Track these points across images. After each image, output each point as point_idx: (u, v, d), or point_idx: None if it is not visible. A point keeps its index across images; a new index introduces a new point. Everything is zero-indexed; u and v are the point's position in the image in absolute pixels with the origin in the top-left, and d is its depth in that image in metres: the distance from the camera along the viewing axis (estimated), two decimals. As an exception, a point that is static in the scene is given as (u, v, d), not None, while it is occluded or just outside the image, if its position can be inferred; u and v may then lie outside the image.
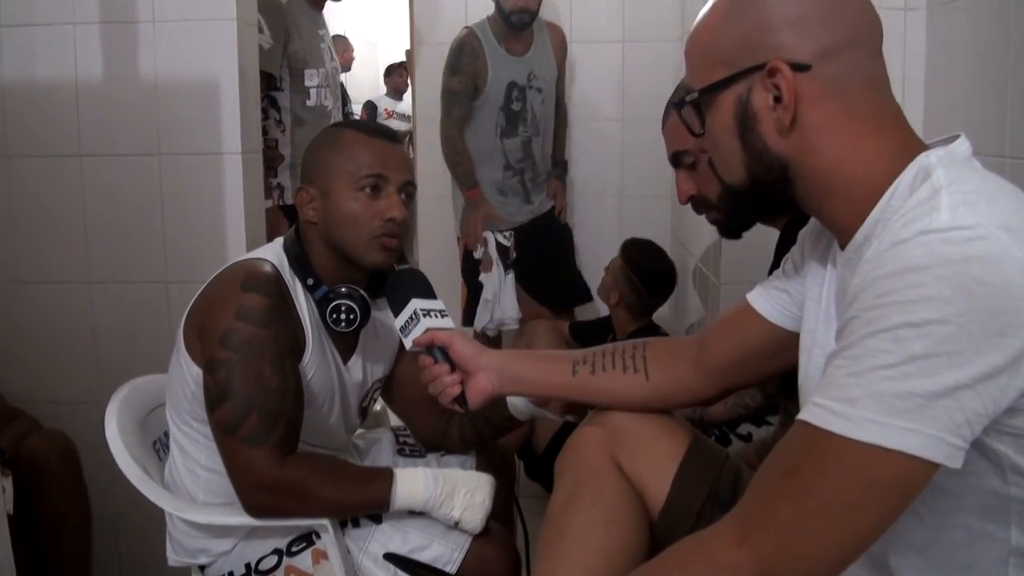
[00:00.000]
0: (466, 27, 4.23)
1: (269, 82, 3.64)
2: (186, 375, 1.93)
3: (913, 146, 1.22)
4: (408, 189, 1.99)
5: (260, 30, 3.44)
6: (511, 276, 4.24)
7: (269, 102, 3.71)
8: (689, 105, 1.35)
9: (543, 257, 4.35)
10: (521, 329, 4.00)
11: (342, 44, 8.10)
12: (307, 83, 3.77)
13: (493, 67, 4.17)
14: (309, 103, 3.79)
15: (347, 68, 8.36)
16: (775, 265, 1.96)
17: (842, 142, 1.23)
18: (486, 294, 4.23)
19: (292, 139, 3.75)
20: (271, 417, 1.82)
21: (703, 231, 3.34)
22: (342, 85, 4.45)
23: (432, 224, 4.90)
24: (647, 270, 3.53)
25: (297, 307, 1.97)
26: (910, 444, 1.03)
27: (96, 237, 2.87)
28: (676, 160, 2.09)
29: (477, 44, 4.17)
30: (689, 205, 2.17)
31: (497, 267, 4.21)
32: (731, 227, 2.10)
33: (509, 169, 4.25)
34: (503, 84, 4.18)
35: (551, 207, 4.42)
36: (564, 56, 4.42)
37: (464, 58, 4.18)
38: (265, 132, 3.66)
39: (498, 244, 4.22)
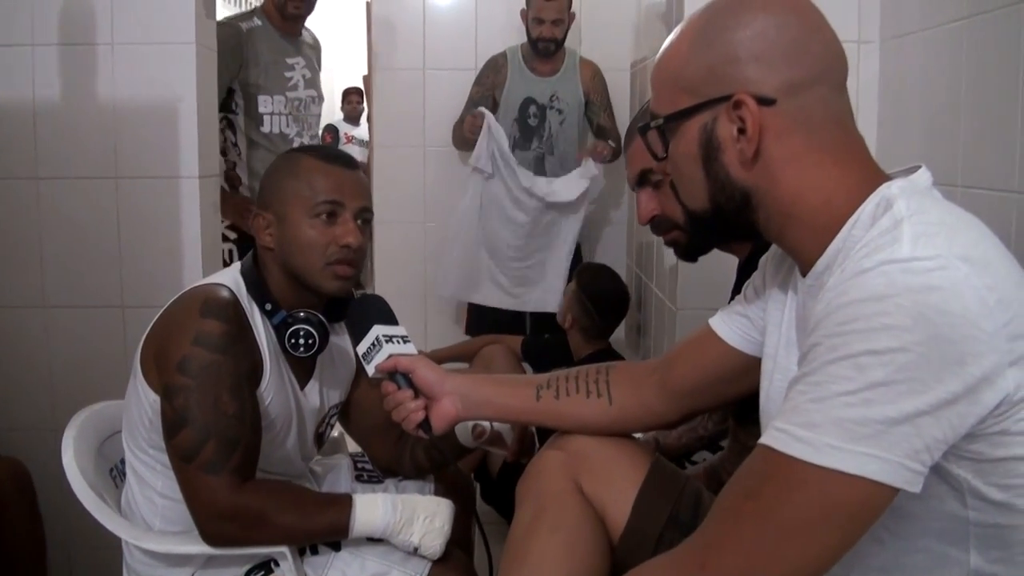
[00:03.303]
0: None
1: (227, 101, 3.69)
2: (143, 401, 1.91)
3: (875, 177, 1.24)
4: (365, 215, 1.99)
5: None
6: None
7: (227, 124, 3.76)
8: (654, 130, 1.36)
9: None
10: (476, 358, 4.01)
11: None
12: (261, 109, 3.78)
13: (511, 81, 4.50)
14: (263, 129, 3.80)
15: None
16: (735, 295, 1.98)
17: (805, 174, 1.24)
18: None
19: (248, 163, 3.78)
20: (229, 444, 1.80)
21: (660, 257, 3.37)
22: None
23: (389, 251, 4.90)
24: (598, 293, 3.56)
25: (255, 332, 1.95)
26: (870, 469, 1.05)
27: (52, 261, 2.84)
28: (642, 179, 2.09)
29: (502, 60, 4.54)
30: (648, 227, 2.17)
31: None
32: (690, 250, 2.11)
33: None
34: (519, 98, 4.48)
35: None
36: (600, 88, 4.55)
37: (486, 71, 4.57)
38: (224, 153, 3.74)
39: None
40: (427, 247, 4.86)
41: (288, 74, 3.88)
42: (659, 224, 2.10)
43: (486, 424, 1.98)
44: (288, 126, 3.87)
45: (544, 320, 4.24)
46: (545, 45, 4.35)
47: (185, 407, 1.80)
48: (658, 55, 1.36)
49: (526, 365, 3.74)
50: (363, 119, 8.56)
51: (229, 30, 3.64)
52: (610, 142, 4.42)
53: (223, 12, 5.40)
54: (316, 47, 4.15)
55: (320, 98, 4.10)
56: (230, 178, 3.81)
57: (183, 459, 1.80)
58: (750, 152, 1.24)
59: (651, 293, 3.67)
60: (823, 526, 1.09)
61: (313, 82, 4.01)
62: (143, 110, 2.77)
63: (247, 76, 3.73)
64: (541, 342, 3.88)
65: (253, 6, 6.31)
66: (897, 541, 1.21)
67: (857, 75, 2.67)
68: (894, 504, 1.09)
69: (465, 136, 4.45)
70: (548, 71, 4.49)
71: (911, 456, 1.05)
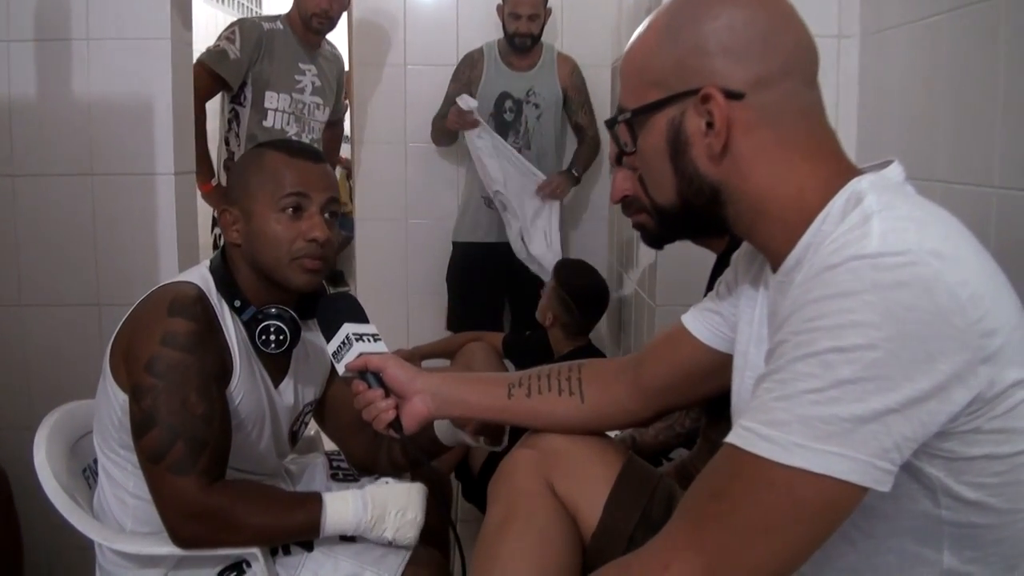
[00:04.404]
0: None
1: (235, 95, 3.96)
2: (112, 402, 1.89)
3: (846, 172, 1.23)
4: (332, 208, 1.97)
5: (232, 41, 3.84)
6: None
7: (233, 115, 4.01)
8: (622, 124, 1.34)
9: (518, 288, 4.50)
10: (458, 355, 4.01)
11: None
12: (266, 104, 3.99)
13: (487, 76, 4.52)
14: (265, 123, 3.99)
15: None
16: (708, 291, 1.97)
17: (774, 169, 1.23)
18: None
19: None
20: (197, 445, 1.78)
21: (640, 254, 3.36)
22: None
23: (371, 247, 4.90)
24: (577, 288, 3.55)
25: (224, 330, 1.93)
26: (837, 468, 1.03)
27: (28, 258, 2.82)
28: (620, 158, 2.08)
29: (478, 55, 4.56)
30: (620, 209, 2.16)
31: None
32: (656, 237, 2.09)
33: None
34: (495, 93, 4.49)
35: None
36: (579, 85, 4.60)
37: (463, 66, 4.58)
38: (227, 143, 4.03)
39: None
40: (409, 243, 4.85)
41: (298, 77, 4.08)
42: (629, 204, 2.10)
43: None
44: (289, 124, 4.06)
45: (524, 317, 4.23)
46: (521, 40, 4.37)
47: (153, 407, 1.78)
48: (627, 47, 1.34)
49: (508, 362, 3.73)
50: (347, 115, 8.58)
51: (252, 26, 3.99)
52: (574, 171, 4.49)
53: (204, 9, 5.43)
54: (334, 61, 4.36)
55: (328, 107, 4.27)
56: (229, 168, 3.97)
57: (151, 460, 1.78)
58: (718, 147, 1.22)
59: (631, 289, 3.66)
60: (790, 526, 1.08)
61: (322, 91, 4.19)
62: (119, 106, 2.75)
63: (260, 70, 3.95)
64: (522, 339, 3.88)
65: (241, 4, 6.44)
66: (868, 541, 1.20)
67: (837, 70, 2.66)
68: (865, 503, 1.08)
69: (445, 129, 4.49)
70: (525, 66, 4.50)
71: (880, 455, 1.03)
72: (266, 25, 4.02)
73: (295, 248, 1.90)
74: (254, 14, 6.85)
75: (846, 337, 1.02)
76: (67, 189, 2.79)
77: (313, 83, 4.11)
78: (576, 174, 4.48)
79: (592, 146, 4.59)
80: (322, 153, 2.08)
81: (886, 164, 1.24)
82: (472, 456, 3.17)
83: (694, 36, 1.23)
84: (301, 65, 4.07)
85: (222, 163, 4.05)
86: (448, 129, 4.43)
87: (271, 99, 3.97)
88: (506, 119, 4.46)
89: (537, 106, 4.46)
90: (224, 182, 3.96)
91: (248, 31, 3.92)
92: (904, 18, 2.37)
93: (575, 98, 4.56)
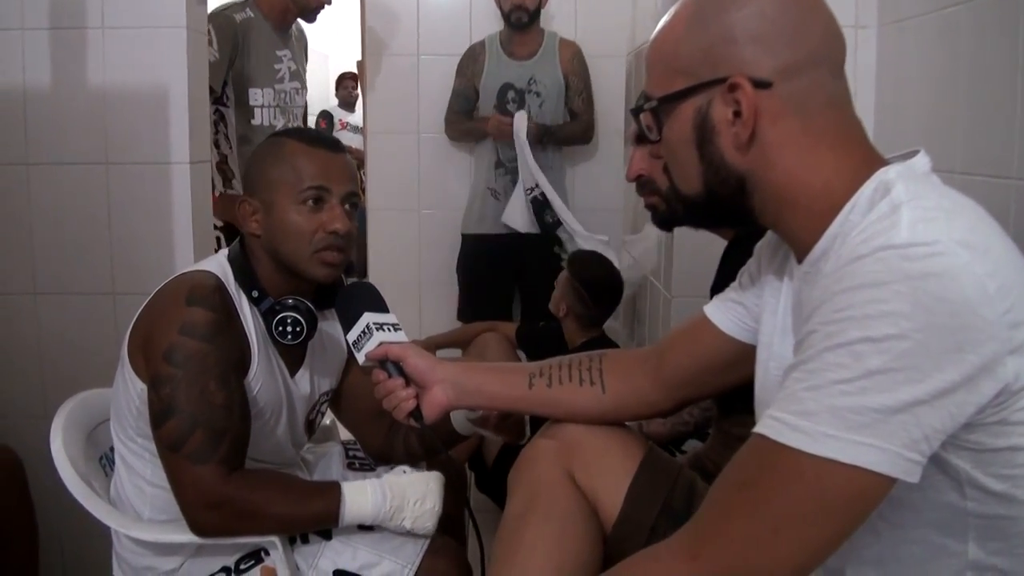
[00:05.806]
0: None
1: (218, 96, 3.73)
2: (131, 390, 1.90)
3: (873, 162, 1.22)
4: (352, 200, 1.96)
5: (209, 43, 3.52)
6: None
7: (219, 117, 3.79)
8: (648, 112, 1.34)
9: (528, 279, 4.54)
10: (471, 345, 4.00)
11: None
12: (251, 102, 3.82)
13: (489, 69, 4.51)
14: (254, 122, 3.84)
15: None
16: (718, 279, 1.96)
17: (801, 158, 1.22)
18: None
19: (240, 156, 3.79)
20: (216, 434, 1.79)
21: (654, 245, 3.35)
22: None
23: (383, 238, 4.90)
24: (591, 279, 3.54)
25: (242, 320, 1.93)
26: (867, 459, 1.03)
27: (42, 247, 2.81)
28: (640, 138, 2.07)
29: (480, 48, 4.56)
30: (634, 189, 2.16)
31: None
32: (667, 219, 2.09)
33: (501, 167, 4.51)
34: (497, 84, 4.48)
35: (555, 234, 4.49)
36: (579, 70, 4.54)
37: (465, 60, 4.58)
38: (217, 146, 3.78)
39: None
40: (421, 234, 4.85)
41: (277, 66, 3.92)
42: (643, 184, 2.10)
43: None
44: (276, 118, 3.92)
45: (536, 308, 4.23)
46: (518, 16, 4.33)
47: (172, 397, 1.79)
48: (653, 35, 1.34)
49: (521, 353, 3.73)
50: (358, 105, 8.53)
51: (225, 23, 3.68)
52: (551, 129, 4.45)
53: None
54: (301, 39, 4.21)
55: (304, 89, 4.14)
56: (223, 171, 3.84)
57: (170, 448, 1.78)
58: (745, 136, 1.22)
59: (646, 280, 3.66)
60: (818, 517, 1.08)
61: (297, 74, 4.06)
62: (133, 95, 2.74)
63: (240, 67, 3.76)
64: (536, 329, 3.87)
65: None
66: (894, 532, 1.20)
67: (854, 60, 2.65)
68: (891, 494, 1.08)
69: (469, 130, 4.54)
70: (525, 54, 4.48)
71: (909, 446, 1.03)
72: (237, 16, 3.75)
73: (316, 240, 1.90)
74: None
75: (876, 327, 1.02)
76: (82, 178, 2.78)
77: (289, 68, 3.98)
78: (551, 132, 4.43)
79: (581, 127, 4.56)
80: (341, 143, 2.07)
81: (912, 154, 1.24)
82: (486, 447, 3.16)
83: (722, 24, 1.23)
84: (278, 53, 3.91)
85: (215, 167, 3.82)
86: (487, 133, 4.46)
87: (255, 96, 3.82)
88: (509, 110, 4.43)
89: (539, 95, 4.44)
90: (222, 186, 3.83)
91: (223, 29, 3.66)
92: (922, 8, 2.37)
93: (574, 85, 4.51)
